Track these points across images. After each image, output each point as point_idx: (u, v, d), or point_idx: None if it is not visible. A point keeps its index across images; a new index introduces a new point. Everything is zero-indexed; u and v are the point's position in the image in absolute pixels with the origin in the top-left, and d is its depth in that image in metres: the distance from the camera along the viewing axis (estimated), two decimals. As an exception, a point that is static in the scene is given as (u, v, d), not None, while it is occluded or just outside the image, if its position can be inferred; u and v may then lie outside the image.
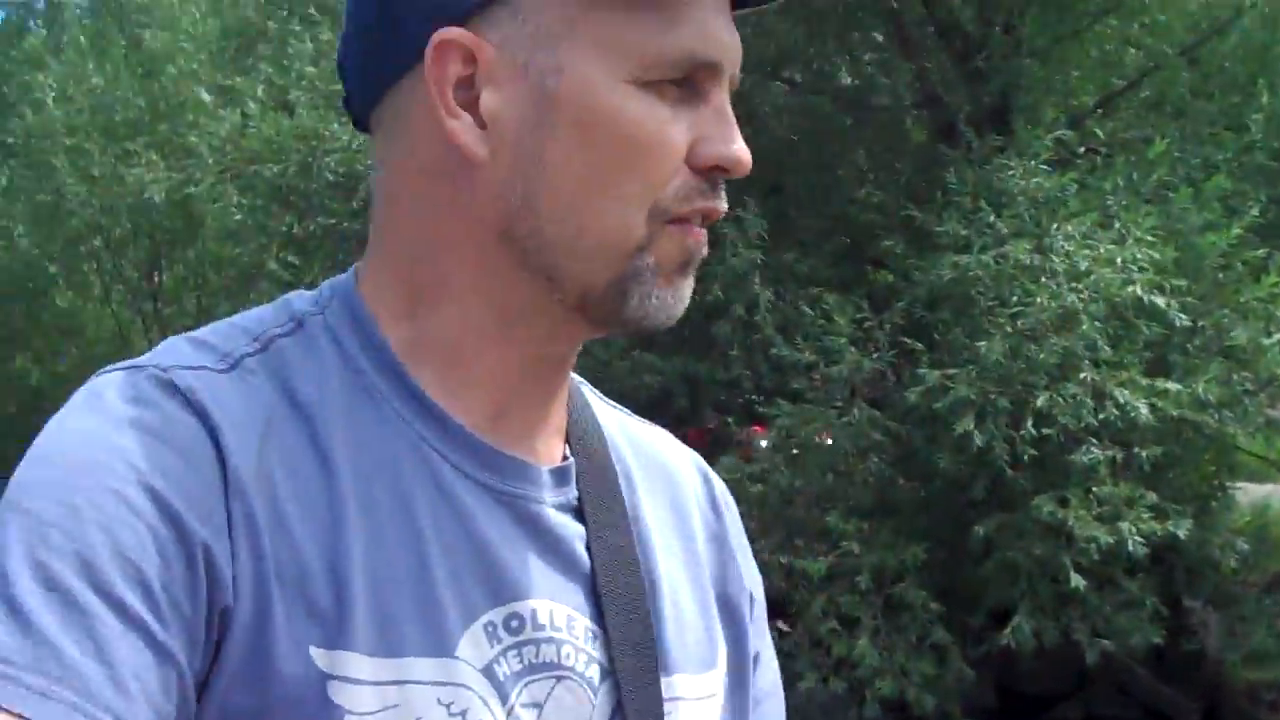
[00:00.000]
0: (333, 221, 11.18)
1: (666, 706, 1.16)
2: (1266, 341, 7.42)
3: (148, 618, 0.97)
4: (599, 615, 1.16)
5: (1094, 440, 7.29)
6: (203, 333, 1.12)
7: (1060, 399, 7.17)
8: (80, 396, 1.08)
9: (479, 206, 1.11)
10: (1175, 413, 7.26)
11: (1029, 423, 7.16)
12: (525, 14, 1.08)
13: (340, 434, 1.09)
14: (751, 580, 1.31)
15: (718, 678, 1.24)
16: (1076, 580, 7.18)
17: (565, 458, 1.19)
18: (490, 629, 1.10)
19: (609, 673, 1.15)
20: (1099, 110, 9.39)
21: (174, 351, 1.10)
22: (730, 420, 8.89)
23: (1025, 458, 7.27)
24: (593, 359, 8.56)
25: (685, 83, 1.09)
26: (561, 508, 1.17)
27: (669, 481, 1.29)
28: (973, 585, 8.20)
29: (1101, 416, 7.14)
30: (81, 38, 15.00)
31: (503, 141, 1.09)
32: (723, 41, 1.10)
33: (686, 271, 1.12)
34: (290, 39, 11.33)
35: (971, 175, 8.02)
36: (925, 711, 7.75)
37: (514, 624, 1.11)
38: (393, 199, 1.15)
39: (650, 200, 1.09)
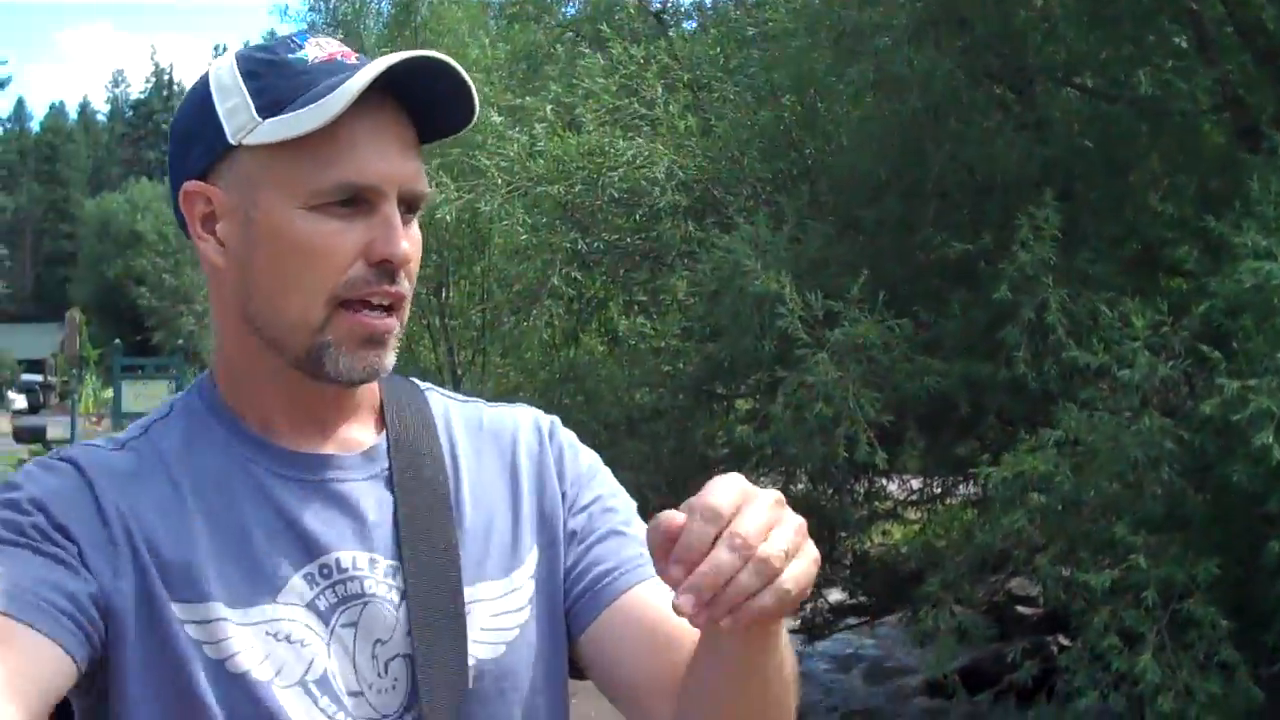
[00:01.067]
0: (615, 237, 11.39)
1: (468, 608, 1.65)
2: None
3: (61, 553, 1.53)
4: (399, 554, 1.63)
5: (1403, 455, 6.96)
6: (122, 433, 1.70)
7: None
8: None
9: (229, 301, 1.63)
10: None
11: (1333, 434, 6.87)
12: (236, 167, 1.59)
13: (188, 468, 1.61)
14: (570, 480, 1.80)
15: (519, 577, 1.72)
16: (1381, 600, 6.87)
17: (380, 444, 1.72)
18: (309, 577, 1.60)
19: (405, 595, 1.62)
20: None
21: (86, 443, 1.65)
22: (1013, 427, 8.74)
23: (1327, 470, 6.98)
24: (876, 365, 8.53)
25: (354, 201, 1.57)
26: (374, 479, 1.69)
27: (499, 438, 1.81)
28: (1267, 603, 7.89)
29: None
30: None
31: (232, 255, 1.61)
32: (378, 170, 1.57)
33: (371, 345, 1.60)
34: (580, 58, 11.59)
35: (1275, 182, 7.75)
36: (1209, 731, 7.48)
37: (325, 570, 1.60)
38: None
39: (326, 291, 1.57)
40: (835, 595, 11.48)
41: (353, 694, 1.59)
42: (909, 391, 8.58)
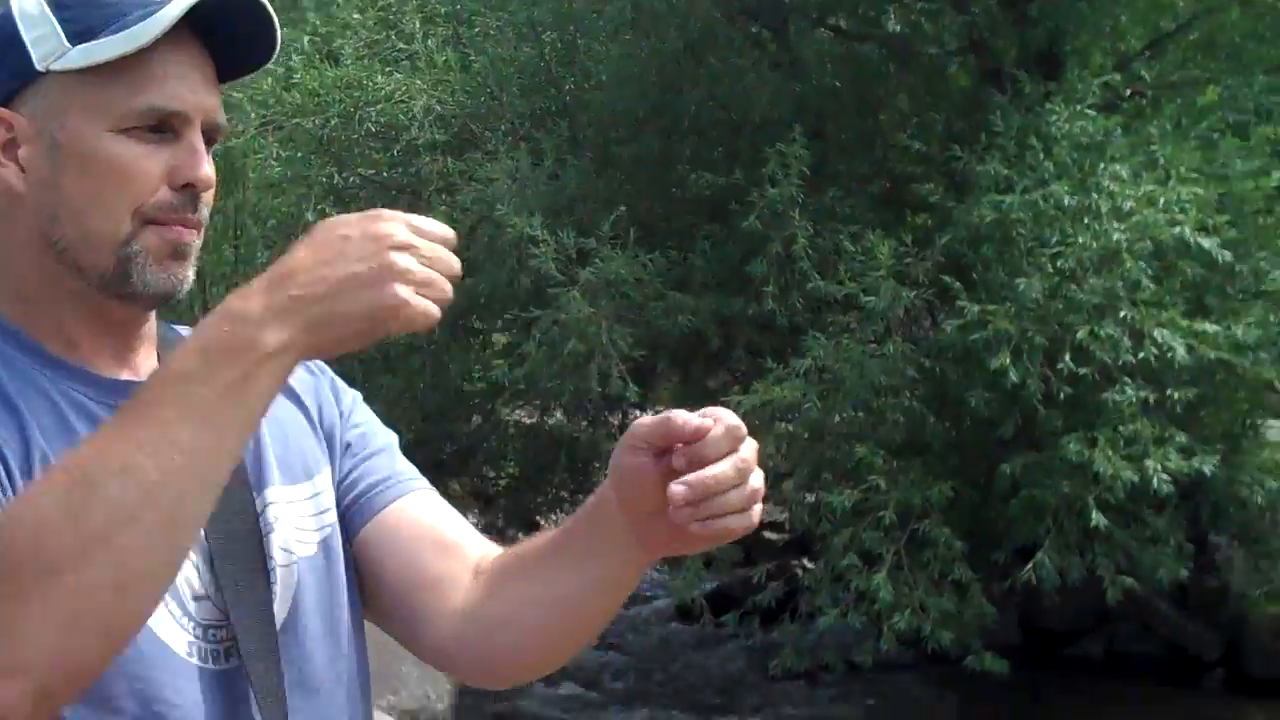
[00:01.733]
0: (372, 172, 11.32)
1: (268, 511, 1.70)
2: (1304, 285, 7.49)
3: None
4: None
5: (1128, 380, 7.36)
6: None
7: (1098, 337, 7.25)
8: None
9: (27, 226, 1.63)
10: (1213, 355, 7.34)
11: (1066, 358, 7.23)
12: (43, 92, 1.61)
13: (13, 389, 1.57)
14: (345, 404, 1.86)
15: (321, 482, 1.77)
16: (1098, 518, 7.25)
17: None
18: None
19: None
20: (1147, 53, 9.43)
21: None
22: (763, 359, 8.97)
23: (1060, 396, 7.34)
24: (629, 301, 8.66)
25: (161, 128, 1.61)
26: None
27: None
28: (999, 524, 8.27)
29: (1140, 355, 7.21)
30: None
31: (34, 178, 1.62)
32: (184, 98, 1.61)
33: (179, 257, 1.63)
34: (338, -13, 11.45)
35: (1017, 119, 8.09)
36: (943, 646, 7.81)
37: None
38: None
39: (133, 209, 1.60)
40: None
41: (197, 598, 1.63)
42: (661, 327, 8.72)
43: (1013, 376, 7.22)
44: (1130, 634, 10.22)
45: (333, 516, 1.77)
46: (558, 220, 8.77)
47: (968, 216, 7.75)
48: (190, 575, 1.62)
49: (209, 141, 1.67)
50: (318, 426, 1.82)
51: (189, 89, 1.62)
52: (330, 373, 1.89)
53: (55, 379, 1.62)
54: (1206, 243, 7.27)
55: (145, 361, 1.72)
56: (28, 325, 1.65)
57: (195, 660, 1.60)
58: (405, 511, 1.81)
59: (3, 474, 1.51)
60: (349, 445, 1.84)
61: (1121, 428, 7.30)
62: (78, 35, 1.60)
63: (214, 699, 1.61)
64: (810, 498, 8.48)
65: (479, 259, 9.12)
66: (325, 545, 1.75)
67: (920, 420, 8.26)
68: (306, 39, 11.22)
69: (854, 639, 8.77)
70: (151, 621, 1.53)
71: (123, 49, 1.58)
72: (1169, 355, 7.14)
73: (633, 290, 8.64)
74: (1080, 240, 7.36)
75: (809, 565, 9.18)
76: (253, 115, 10.93)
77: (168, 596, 1.56)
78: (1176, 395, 7.32)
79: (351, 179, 11.39)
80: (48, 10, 1.62)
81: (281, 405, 1.76)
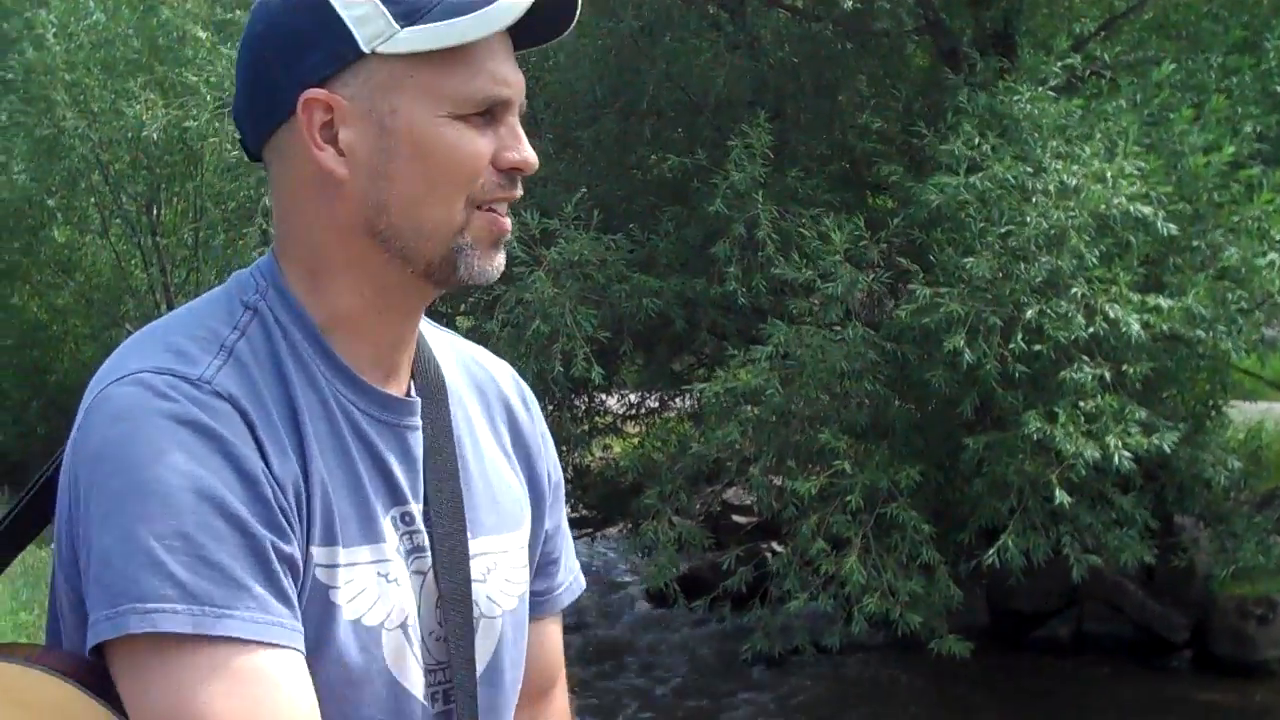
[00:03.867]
0: (329, 155, 11.21)
1: (474, 562, 1.66)
2: (1260, 261, 7.45)
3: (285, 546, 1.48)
4: (425, 510, 1.63)
5: (1085, 358, 7.33)
6: (188, 327, 1.58)
7: (1050, 313, 7.21)
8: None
9: (347, 212, 1.56)
10: (1166, 328, 7.31)
11: (1018, 337, 7.19)
12: (367, 74, 1.54)
13: (297, 391, 1.55)
14: (553, 465, 1.84)
15: (523, 536, 1.75)
16: (1062, 496, 7.21)
17: (411, 387, 1.68)
18: (394, 521, 1.60)
19: (432, 549, 1.64)
20: (1102, 34, 9.38)
21: (188, 357, 1.53)
22: (726, 342, 8.92)
23: (1016, 374, 7.31)
24: (592, 281, 8.61)
25: (486, 113, 1.55)
26: (419, 428, 1.66)
27: (487, 388, 1.80)
28: (965, 505, 8.26)
29: (1091, 330, 7.18)
30: (83, -27, 14.99)
31: (357, 163, 1.55)
32: (510, 81, 1.57)
33: (498, 246, 1.60)
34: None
35: (983, 99, 8.03)
36: (912, 629, 7.81)
37: (407, 518, 1.61)
38: (285, 212, 1.61)
39: (464, 195, 1.56)
40: (558, 509, 11.57)
41: (420, 640, 1.61)
42: (625, 309, 8.67)
43: (968, 357, 7.18)
44: (1098, 615, 10.25)
45: (528, 573, 1.78)
46: (520, 201, 8.67)
47: (922, 198, 7.69)
48: (426, 615, 1.63)
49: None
50: (525, 477, 1.80)
51: (513, 71, 1.58)
52: (536, 409, 1.87)
53: (334, 384, 1.60)
54: (1148, 210, 7.23)
55: (407, 361, 1.68)
56: (318, 312, 1.61)
57: (426, 703, 1.61)
58: (551, 630, 1.88)
59: (288, 521, 1.49)
60: (558, 526, 1.86)
61: (1082, 404, 7.26)
62: (405, 16, 1.53)
63: None
64: (777, 482, 8.44)
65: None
66: (522, 600, 1.75)
67: (884, 403, 8.24)
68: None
69: (824, 622, 8.77)
70: (396, 664, 1.57)
71: (474, 34, 1.53)
72: (1124, 331, 7.10)
73: (597, 271, 8.59)
74: (1028, 218, 7.30)
75: (778, 549, 9.14)
76: (209, 98, 10.85)
77: (413, 635, 1.60)
78: (1133, 371, 7.27)
79: (311, 163, 11.29)
80: None
81: (492, 447, 1.77)
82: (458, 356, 1.80)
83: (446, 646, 1.62)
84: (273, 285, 1.61)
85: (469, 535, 1.66)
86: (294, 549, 1.48)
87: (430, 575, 1.62)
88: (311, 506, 1.52)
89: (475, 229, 1.57)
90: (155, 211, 15.03)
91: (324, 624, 1.52)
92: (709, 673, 10.32)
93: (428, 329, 1.77)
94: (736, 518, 11.60)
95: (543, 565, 1.83)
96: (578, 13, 1.62)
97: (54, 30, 13.97)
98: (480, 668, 1.66)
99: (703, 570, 10.40)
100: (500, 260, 1.61)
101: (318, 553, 1.52)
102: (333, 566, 1.53)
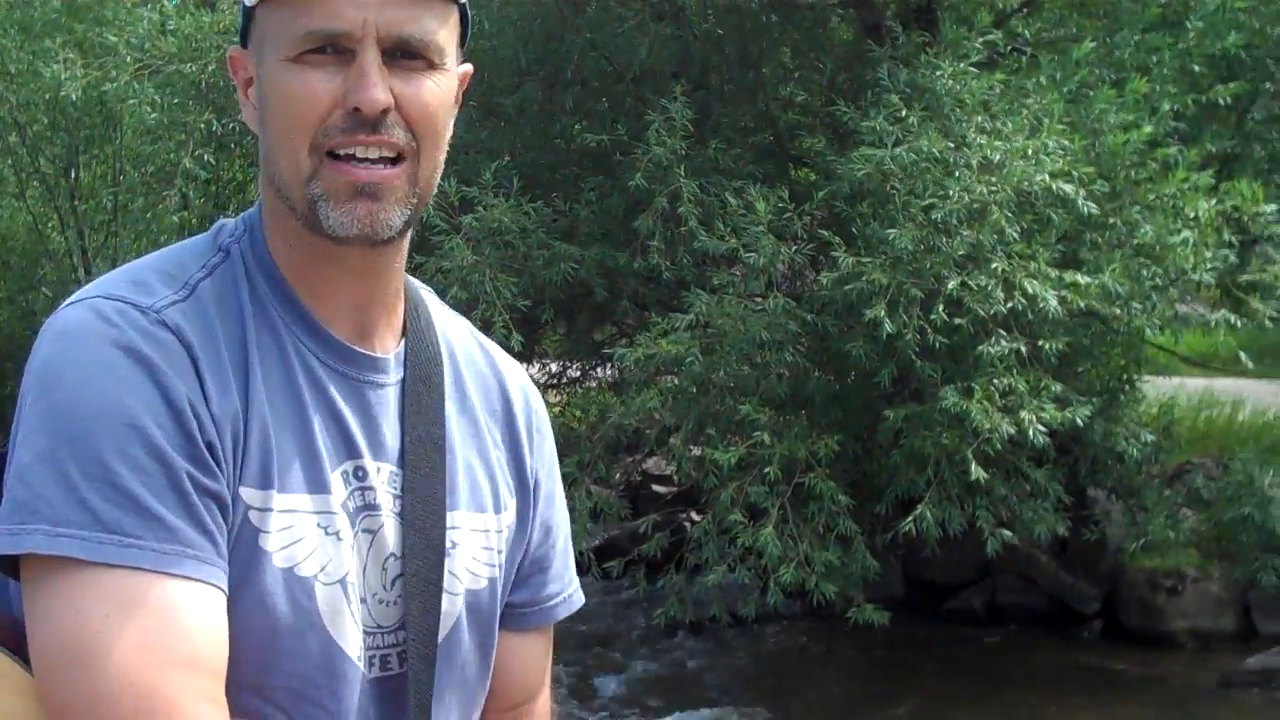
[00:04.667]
0: (252, 119, 11.09)
1: (454, 536, 1.64)
2: (1173, 239, 7.54)
3: (206, 480, 1.45)
4: (402, 473, 1.61)
5: (1003, 332, 7.39)
6: (159, 263, 1.58)
7: (971, 287, 7.26)
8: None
9: (262, 163, 1.59)
10: (1083, 304, 7.38)
11: (940, 308, 7.23)
12: (256, 29, 1.56)
13: (254, 336, 1.53)
14: (545, 470, 1.81)
15: (504, 520, 1.73)
16: (978, 471, 7.26)
17: (398, 350, 1.66)
18: (345, 475, 1.57)
19: (402, 516, 1.61)
20: (1024, 10, 9.44)
21: (147, 288, 1.53)
22: (648, 312, 8.92)
23: (936, 346, 7.36)
24: (512, 250, 8.57)
25: (332, 49, 1.50)
26: (395, 386, 1.64)
27: (489, 379, 1.79)
28: (882, 476, 8.30)
29: (1010, 305, 7.23)
30: (0, -69, 14.73)
31: (257, 115, 1.58)
32: (348, 16, 1.49)
33: (361, 198, 1.52)
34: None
35: (903, 74, 8.07)
36: (827, 599, 7.84)
37: (360, 472, 1.58)
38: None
39: (307, 141, 1.51)
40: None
41: (361, 600, 1.57)
42: (546, 277, 8.65)
43: (887, 328, 7.21)
44: (1011, 587, 10.37)
45: (503, 559, 1.74)
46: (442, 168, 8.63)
47: (846, 171, 7.71)
48: (376, 577, 1.59)
49: (410, 55, 1.54)
50: (510, 465, 1.77)
51: (355, 4, 1.50)
52: (543, 413, 1.86)
53: (295, 332, 1.58)
54: (1069, 188, 7.29)
55: (384, 326, 1.65)
56: (281, 254, 1.60)
57: (362, 667, 1.57)
58: (533, 644, 1.84)
59: (215, 457, 1.46)
60: (549, 530, 1.83)
61: (997, 380, 7.32)
62: None
63: (372, 709, 1.59)
64: (696, 451, 8.45)
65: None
66: (492, 584, 1.72)
67: (803, 374, 8.26)
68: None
69: (740, 591, 8.80)
70: (332, 620, 1.53)
71: None
72: (1041, 306, 7.16)
73: (517, 240, 8.55)
74: (951, 192, 7.34)
75: (696, 518, 9.15)
76: (129, 59, 10.70)
77: (353, 593, 1.55)
78: (1048, 346, 7.34)
79: (232, 125, 11.16)
80: None
81: (479, 429, 1.74)
82: (466, 342, 1.80)
83: (399, 610, 1.59)
84: (249, 230, 1.62)
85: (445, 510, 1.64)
86: (220, 485, 1.46)
87: (381, 534, 1.58)
88: (248, 446, 1.49)
89: (326, 178, 1.52)
90: (74, 174, 14.81)
91: (250, 567, 1.48)
92: (623, 639, 10.34)
93: (440, 310, 1.78)
94: (656, 487, 11.62)
95: (529, 572, 1.80)
96: None
97: (-31, -9, 13.72)
98: (438, 639, 1.63)
99: (621, 540, 10.41)
100: (371, 213, 1.53)
101: (248, 494, 1.49)
102: (265, 510, 1.50)
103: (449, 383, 1.71)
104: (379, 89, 1.50)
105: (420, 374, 1.66)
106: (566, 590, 1.86)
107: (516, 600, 1.79)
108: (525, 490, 1.78)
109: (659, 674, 9.77)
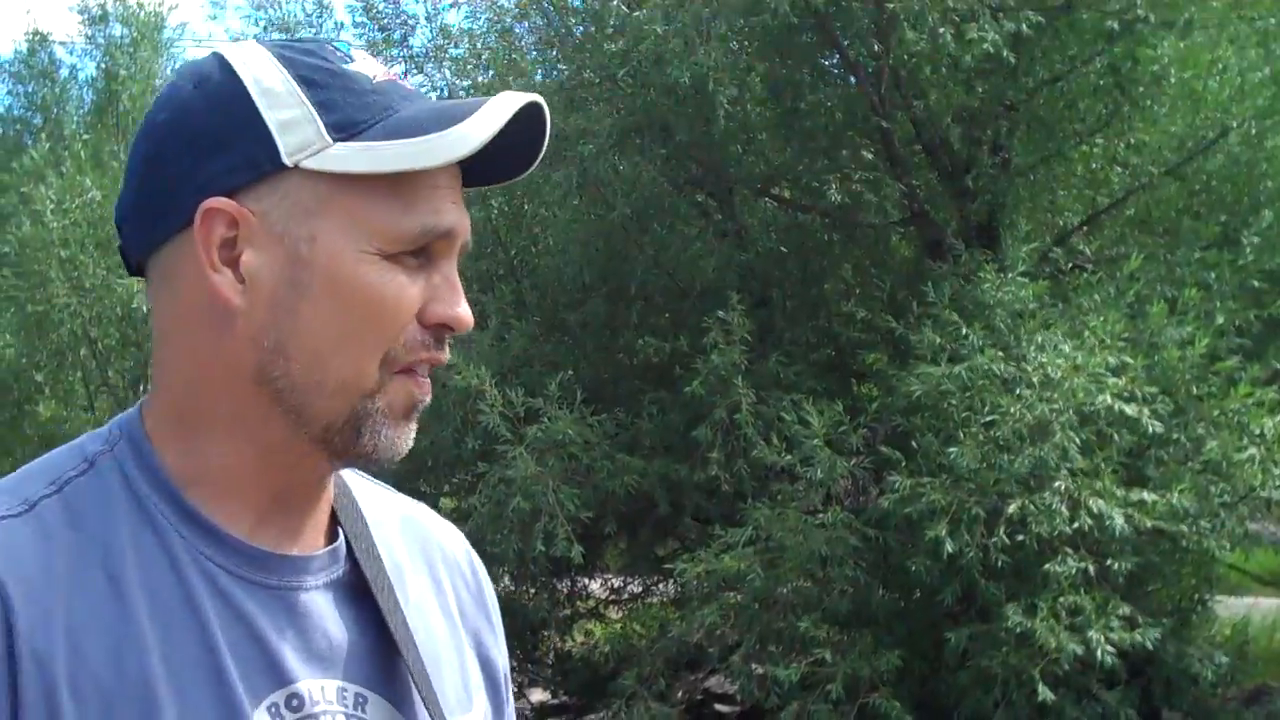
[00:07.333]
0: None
1: None
2: (1240, 456, 7.46)
3: None
4: (368, 679, 1.37)
5: (1069, 551, 7.30)
6: (5, 480, 1.34)
7: (1034, 506, 7.20)
8: None
9: (236, 351, 1.30)
10: (1151, 523, 7.29)
11: (1002, 529, 7.17)
12: (286, 191, 1.28)
13: (130, 558, 1.26)
14: (503, 649, 1.58)
15: (475, 716, 1.48)
16: (1045, 692, 7.13)
17: (334, 539, 1.42)
18: (274, 709, 1.30)
19: None
20: (1084, 228, 9.53)
21: None
22: (710, 526, 8.88)
23: (1000, 565, 7.27)
24: (575, 461, 8.59)
25: (421, 252, 1.31)
26: (330, 585, 1.39)
27: (430, 552, 1.54)
28: (950, 695, 8.14)
29: (1075, 525, 7.16)
30: (81, 152, 15.26)
31: (259, 295, 1.29)
32: (453, 219, 1.32)
33: (411, 416, 1.35)
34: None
35: (952, 288, 8.13)
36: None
37: (295, 703, 1.31)
38: (163, 339, 1.36)
39: (383, 351, 1.30)
40: (538, 695, 11.42)
41: None
42: (609, 489, 8.64)
43: (949, 547, 7.14)
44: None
45: None
46: (504, 380, 8.73)
47: (904, 386, 7.73)
48: None
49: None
50: (473, 655, 1.54)
51: (458, 207, 1.34)
52: (485, 579, 1.61)
53: (191, 540, 1.30)
54: (1130, 410, 7.26)
55: (313, 524, 1.41)
56: (182, 464, 1.33)
57: None
58: None
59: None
60: (498, 693, 1.58)
61: (1062, 599, 7.21)
62: (340, 128, 1.28)
63: None
64: (759, 669, 8.33)
65: (424, 420, 9.01)
66: None
67: (867, 590, 8.16)
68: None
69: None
70: None
71: (417, 163, 1.28)
72: (1108, 525, 7.08)
73: (580, 451, 8.57)
74: (1012, 410, 7.32)
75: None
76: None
77: None
78: (1116, 565, 7.23)
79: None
80: (298, 89, 1.29)
81: (437, 616, 1.50)
82: (397, 515, 1.54)
83: None
84: (127, 435, 1.35)
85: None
86: None
87: None
88: (103, 703, 1.22)
89: (391, 393, 1.32)
90: (142, 387, 15.06)
91: None
92: None
93: (356, 480, 1.52)
94: (719, 706, 11.41)
95: None
96: (539, 157, 1.38)
97: (51, 207, 14.14)
98: None
99: (686, 761, 10.20)
100: (411, 433, 1.36)
101: None
102: None
103: (396, 569, 1.47)
104: (467, 305, 1.35)
105: (365, 564, 1.43)
106: None
107: None
108: (494, 679, 1.56)
109: None
